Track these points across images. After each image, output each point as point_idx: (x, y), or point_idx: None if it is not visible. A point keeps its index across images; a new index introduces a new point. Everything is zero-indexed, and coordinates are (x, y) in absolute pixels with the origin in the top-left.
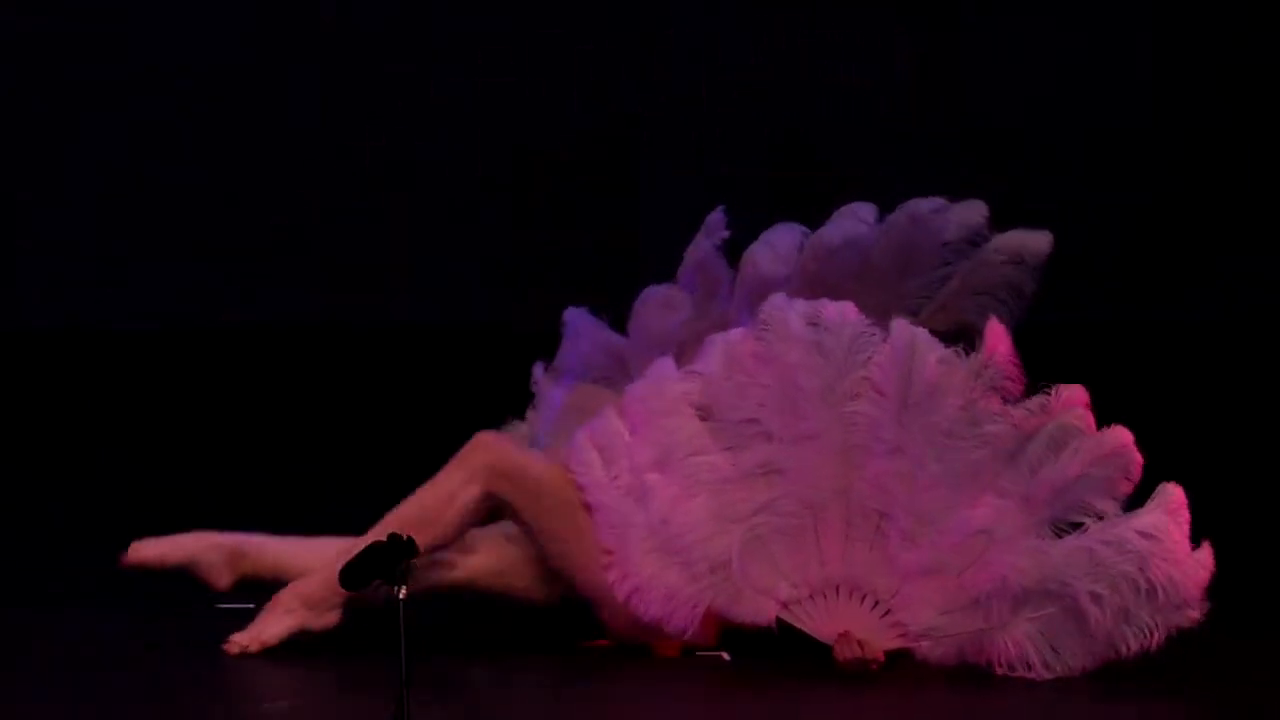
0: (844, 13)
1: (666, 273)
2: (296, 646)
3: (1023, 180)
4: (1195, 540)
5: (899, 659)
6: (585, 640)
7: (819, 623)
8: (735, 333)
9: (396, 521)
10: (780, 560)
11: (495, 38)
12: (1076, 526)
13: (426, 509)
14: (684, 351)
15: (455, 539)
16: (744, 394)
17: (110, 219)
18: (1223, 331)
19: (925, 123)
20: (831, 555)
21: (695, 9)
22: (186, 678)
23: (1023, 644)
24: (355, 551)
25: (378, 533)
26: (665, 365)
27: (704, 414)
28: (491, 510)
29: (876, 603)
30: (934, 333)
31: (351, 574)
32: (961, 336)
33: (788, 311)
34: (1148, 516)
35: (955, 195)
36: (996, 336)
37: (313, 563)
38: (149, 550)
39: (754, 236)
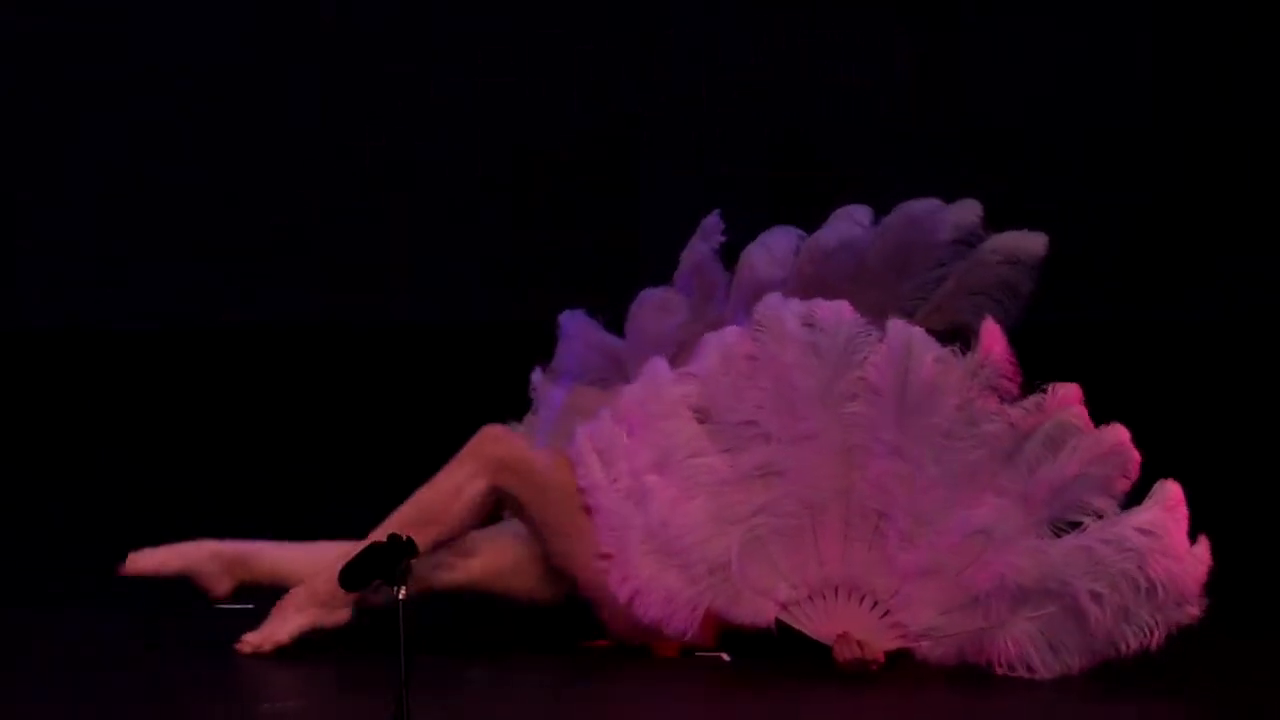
0: (844, 13)
1: (666, 273)
2: (297, 646)
3: (1023, 180)
4: (1193, 536)
5: (899, 659)
6: (585, 640)
7: (818, 623)
8: (730, 333)
9: (403, 516)
10: (779, 561)
11: (495, 38)
12: (1075, 525)
13: (433, 503)
14: (681, 353)
15: (462, 533)
16: (741, 395)
17: (110, 219)
18: (1223, 331)
19: (925, 123)
20: (830, 556)
21: (695, 9)
22: (186, 678)
23: (1022, 643)
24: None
25: (385, 528)
26: (659, 367)
27: (702, 416)
28: (497, 505)
29: (876, 603)
30: (930, 332)
31: (351, 574)
32: (957, 336)
33: (783, 312)
34: (1146, 514)
35: (956, 195)
36: (992, 336)
37: (311, 568)
38: (147, 560)
39: (754, 237)
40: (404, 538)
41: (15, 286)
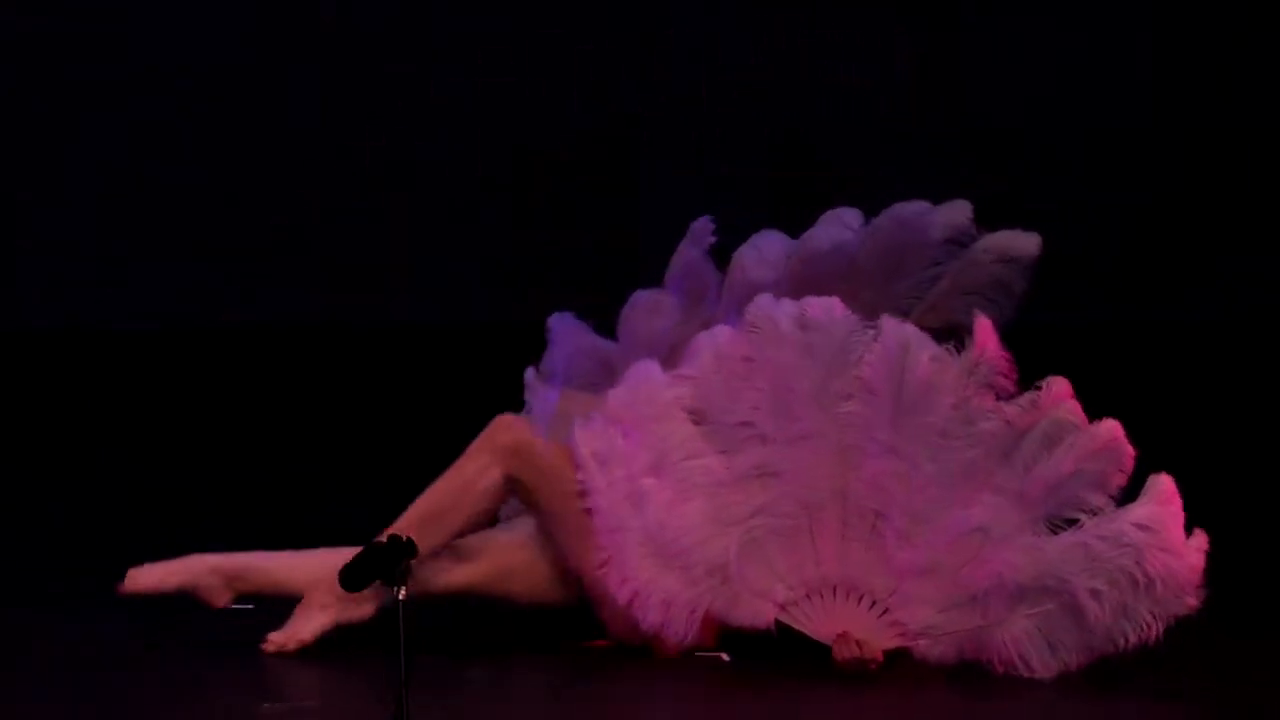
0: (844, 13)
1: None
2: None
3: (1023, 180)
4: (1189, 531)
5: (898, 659)
6: (585, 640)
7: (817, 624)
8: (722, 333)
9: (419, 510)
10: (777, 562)
11: (495, 38)
12: (1072, 522)
13: (448, 495)
14: (673, 355)
15: (480, 524)
16: (736, 397)
17: (110, 219)
18: (1223, 331)
19: (925, 123)
20: (828, 556)
21: (695, 9)
22: (186, 677)
23: (1021, 641)
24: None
25: (401, 523)
26: (648, 368)
27: (697, 418)
28: (511, 496)
29: (874, 602)
30: (924, 330)
31: (351, 575)
32: (952, 335)
33: (775, 313)
34: (1142, 509)
35: (957, 195)
36: (985, 333)
37: (311, 576)
38: (145, 579)
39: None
40: (404, 538)
41: (15, 286)
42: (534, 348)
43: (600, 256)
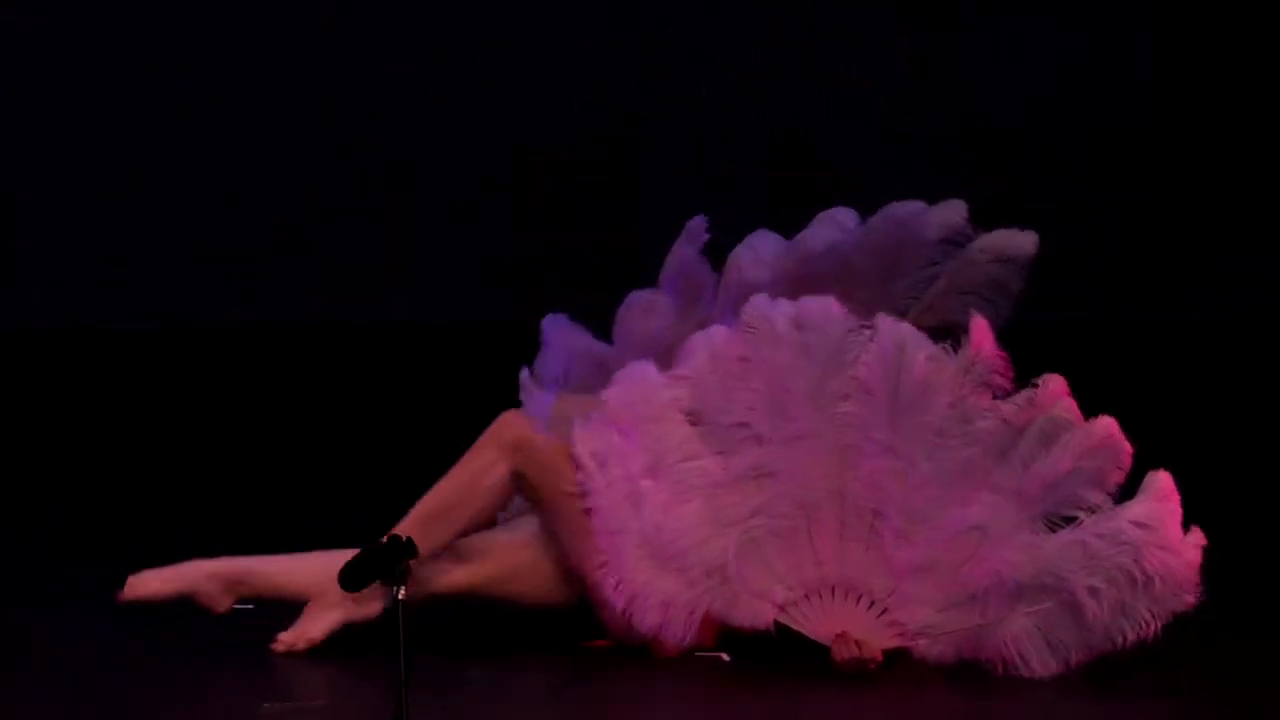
0: (844, 13)
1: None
2: None
3: (1023, 180)
4: (1187, 528)
5: (898, 658)
6: (585, 640)
7: (816, 624)
8: (717, 333)
9: (425, 508)
10: (775, 562)
11: (495, 38)
12: (1070, 520)
13: (454, 492)
14: (669, 356)
15: (486, 521)
16: (733, 398)
17: (110, 219)
18: (1223, 331)
19: (925, 123)
20: (826, 556)
21: (695, 9)
22: (187, 677)
23: (1020, 640)
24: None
25: (408, 522)
26: (643, 368)
27: (694, 419)
28: (516, 493)
29: (873, 602)
30: (921, 330)
31: (351, 574)
32: (948, 335)
33: (771, 313)
34: (1139, 507)
35: (957, 195)
36: (981, 332)
37: (311, 578)
38: (145, 586)
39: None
40: (403, 538)
41: (15, 286)
42: (534, 348)
43: (600, 256)
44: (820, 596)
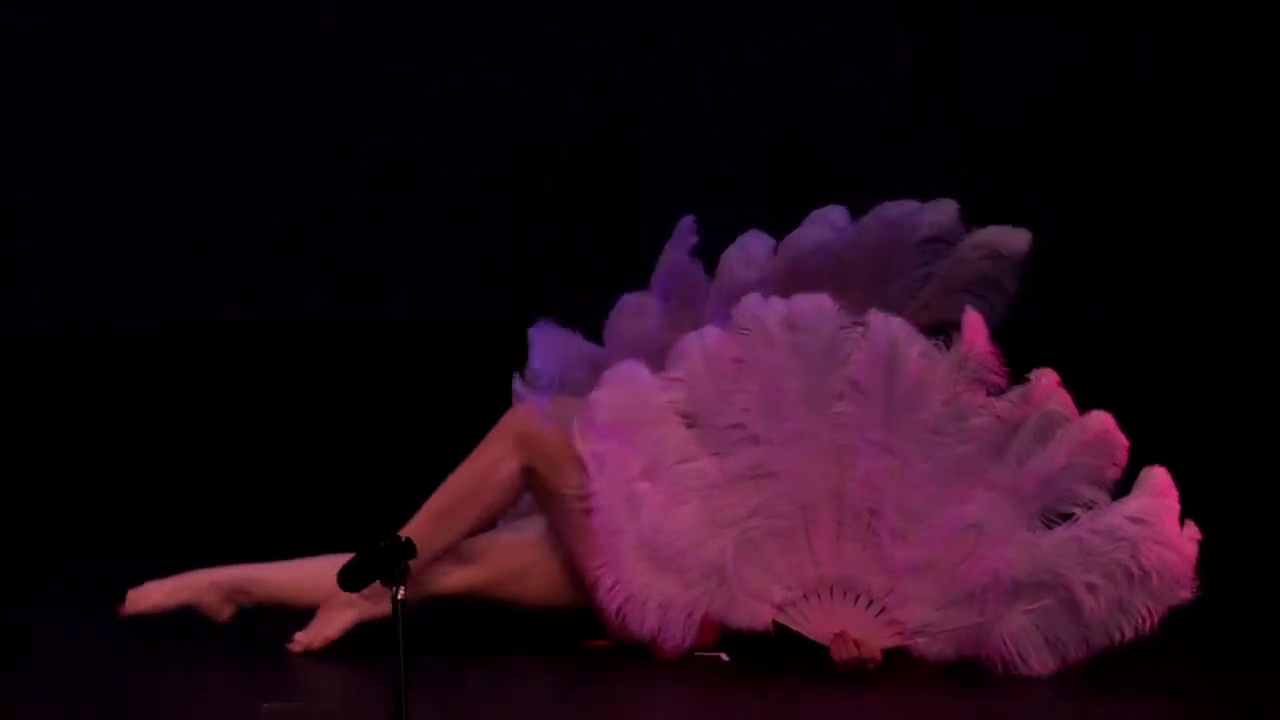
0: (844, 13)
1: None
2: None
3: (1023, 180)
4: (1183, 522)
5: (897, 658)
6: (585, 640)
7: (815, 624)
8: (709, 334)
9: (435, 505)
10: (773, 563)
11: (495, 38)
12: (1066, 516)
13: (465, 487)
14: (662, 357)
15: (497, 516)
16: (727, 399)
17: (110, 219)
18: (1223, 331)
19: (925, 123)
20: (824, 556)
21: (695, 9)
22: (187, 678)
23: (1019, 637)
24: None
25: (418, 519)
26: (632, 368)
27: (689, 421)
28: (526, 490)
29: (871, 601)
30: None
31: (350, 575)
32: (941, 333)
33: (763, 313)
34: (1136, 502)
35: (956, 195)
36: (974, 328)
37: (312, 585)
38: (146, 599)
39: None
40: (403, 538)
41: (15, 286)
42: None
43: (600, 256)
44: (818, 596)
